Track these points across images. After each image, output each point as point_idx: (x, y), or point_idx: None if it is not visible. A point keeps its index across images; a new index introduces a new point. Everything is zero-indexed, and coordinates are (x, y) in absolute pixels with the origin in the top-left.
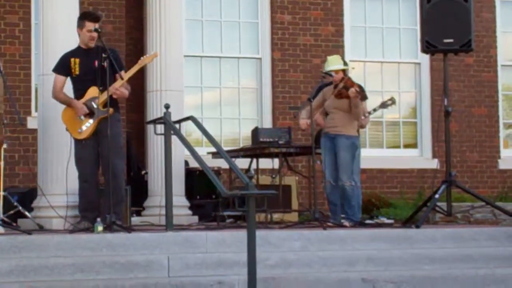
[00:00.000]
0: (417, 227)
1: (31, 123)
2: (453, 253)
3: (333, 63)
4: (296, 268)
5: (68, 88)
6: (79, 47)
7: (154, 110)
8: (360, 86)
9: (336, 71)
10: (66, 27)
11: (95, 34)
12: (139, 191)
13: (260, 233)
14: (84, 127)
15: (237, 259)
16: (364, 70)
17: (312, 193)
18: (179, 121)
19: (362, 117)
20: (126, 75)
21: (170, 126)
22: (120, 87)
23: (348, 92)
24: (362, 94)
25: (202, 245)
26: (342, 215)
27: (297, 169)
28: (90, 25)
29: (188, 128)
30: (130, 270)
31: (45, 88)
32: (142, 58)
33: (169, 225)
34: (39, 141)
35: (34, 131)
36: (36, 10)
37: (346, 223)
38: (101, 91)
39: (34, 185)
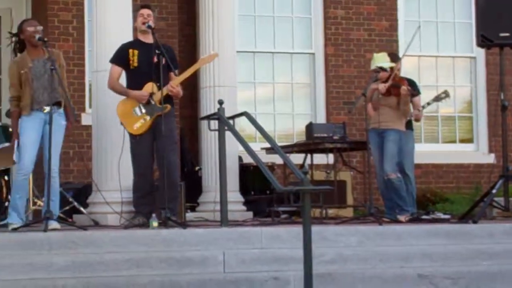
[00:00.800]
0: (474, 222)
1: (85, 119)
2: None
3: (379, 61)
4: (352, 264)
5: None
6: (137, 39)
7: (207, 106)
8: (410, 81)
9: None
10: (119, 24)
11: (148, 28)
12: (193, 187)
13: (315, 229)
14: (139, 123)
15: (293, 255)
16: (418, 65)
17: (367, 188)
18: (233, 117)
19: (417, 112)
20: (184, 74)
21: (224, 122)
22: (176, 86)
23: (400, 90)
24: (413, 91)
25: (257, 240)
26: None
27: (351, 164)
28: (141, 11)
29: (241, 124)
30: (185, 266)
31: (98, 84)
32: (201, 58)
33: (224, 221)
34: (93, 137)
35: (88, 127)
36: (89, 7)
37: (402, 217)
38: (158, 88)
39: (89, 181)
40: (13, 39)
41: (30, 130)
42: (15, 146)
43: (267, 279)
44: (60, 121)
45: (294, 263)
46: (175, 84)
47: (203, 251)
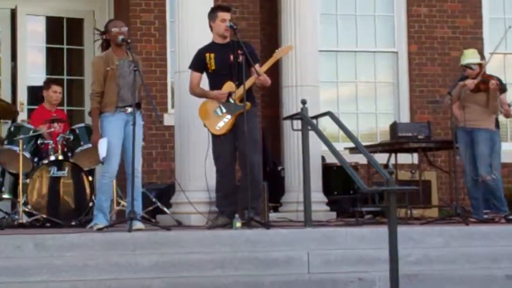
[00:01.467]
0: None
1: (168, 120)
2: None
3: (469, 57)
4: (438, 265)
5: (205, 85)
6: (213, 42)
7: (289, 106)
8: (497, 79)
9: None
10: (201, 24)
11: (230, 28)
12: (276, 186)
13: (401, 229)
14: (222, 123)
15: (378, 255)
16: (504, 63)
17: (453, 188)
18: (316, 117)
19: (507, 107)
20: (262, 68)
21: (308, 122)
22: (260, 75)
23: (489, 85)
24: (501, 87)
25: (341, 241)
26: (487, 210)
27: (436, 164)
28: (222, 15)
29: (322, 123)
30: (269, 266)
31: (181, 85)
32: (276, 51)
33: (308, 221)
34: (176, 137)
35: (170, 127)
36: (171, 8)
37: (498, 218)
38: (237, 86)
39: (172, 181)
40: (102, 36)
41: (114, 132)
42: (100, 143)
43: (352, 280)
44: (139, 121)
45: (379, 264)
46: (253, 81)
47: (287, 252)
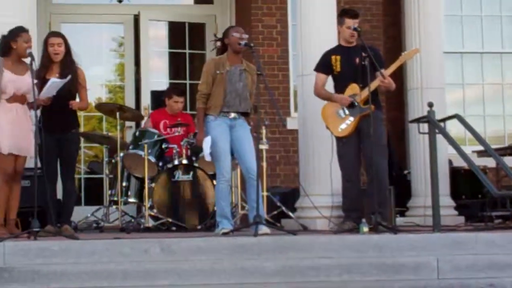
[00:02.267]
0: None
1: (291, 123)
2: None
3: None
4: None
5: (329, 87)
6: (339, 45)
7: (415, 108)
8: None
9: None
10: (324, 27)
11: (354, 31)
12: (402, 191)
13: None
14: (344, 125)
15: (509, 261)
16: None
17: None
18: (443, 120)
19: None
20: (387, 71)
21: (435, 125)
22: (385, 78)
23: None
24: None
25: (471, 246)
26: None
27: None
28: (349, 22)
29: (448, 126)
30: (397, 272)
31: (304, 88)
32: (402, 54)
33: (436, 226)
34: (299, 141)
35: (293, 131)
36: (293, 12)
37: None
38: (361, 88)
39: (295, 185)
40: (217, 43)
41: (221, 135)
42: (204, 142)
43: (483, 286)
44: (246, 126)
45: (510, 270)
46: (376, 84)
47: (415, 257)
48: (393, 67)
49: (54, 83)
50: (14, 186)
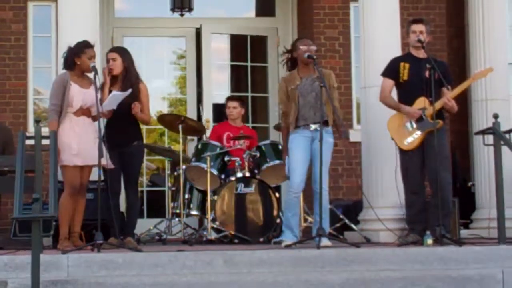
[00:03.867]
0: None
1: (353, 136)
2: None
3: None
4: None
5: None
6: (409, 53)
7: (479, 120)
8: None
9: None
10: (387, 39)
11: (419, 35)
12: (466, 203)
13: None
14: (411, 138)
15: None
16: None
17: None
18: (508, 131)
19: None
20: (458, 88)
21: (500, 136)
22: (449, 100)
23: None
24: None
25: None
26: None
27: None
28: (414, 27)
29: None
30: (462, 284)
31: (367, 100)
32: (475, 72)
33: (502, 238)
34: (362, 153)
35: (356, 144)
36: (355, 24)
37: None
38: (429, 103)
39: (358, 198)
40: (287, 55)
41: (297, 148)
42: (286, 161)
43: None
44: (328, 139)
45: None
46: (449, 97)
47: (480, 269)
48: (464, 85)
49: (115, 96)
50: (79, 199)
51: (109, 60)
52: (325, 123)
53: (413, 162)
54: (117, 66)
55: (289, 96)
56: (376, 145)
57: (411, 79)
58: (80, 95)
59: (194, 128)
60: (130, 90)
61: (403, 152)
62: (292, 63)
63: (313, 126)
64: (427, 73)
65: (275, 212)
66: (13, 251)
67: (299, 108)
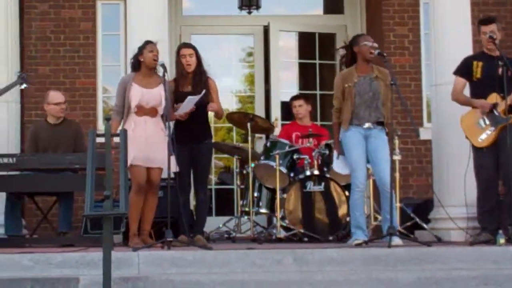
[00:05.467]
0: None
1: (423, 134)
2: None
3: None
4: None
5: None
6: (482, 52)
7: None
8: None
9: None
10: (458, 36)
11: (490, 38)
12: None
13: None
14: (484, 135)
15: None
16: None
17: None
18: None
19: None
20: None
21: None
22: None
23: None
24: None
25: None
26: None
27: None
28: (484, 28)
29: None
30: None
31: (438, 98)
32: None
33: None
34: (433, 151)
35: (426, 142)
36: (425, 21)
37: None
38: (502, 98)
39: (428, 196)
40: (342, 51)
41: (355, 146)
42: (334, 157)
43: None
44: (383, 136)
45: None
46: None
47: None
48: None
49: (190, 100)
50: (150, 197)
51: (184, 56)
52: (380, 124)
53: (487, 159)
54: (193, 62)
55: (344, 93)
56: (447, 143)
57: (484, 77)
58: (139, 94)
59: (263, 127)
60: (204, 92)
61: (476, 150)
62: (351, 59)
63: (366, 124)
64: (500, 71)
65: (344, 211)
66: (84, 248)
67: (354, 107)
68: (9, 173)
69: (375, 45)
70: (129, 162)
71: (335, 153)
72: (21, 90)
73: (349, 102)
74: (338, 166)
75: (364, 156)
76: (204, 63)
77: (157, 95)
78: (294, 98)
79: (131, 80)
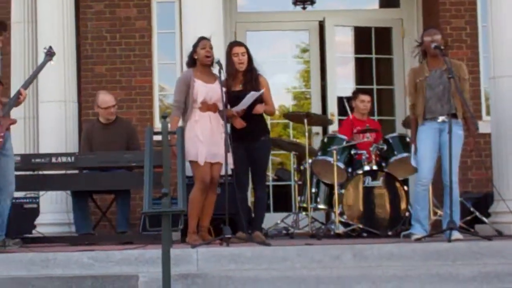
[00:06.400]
0: None
1: (482, 127)
2: None
3: None
4: None
5: None
6: None
7: None
8: None
9: None
10: None
11: None
12: None
13: None
14: None
15: None
16: None
17: None
18: None
19: None
20: None
21: None
22: None
23: None
24: None
25: None
26: None
27: None
28: None
29: None
30: None
31: (497, 91)
32: None
33: None
34: (492, 145)
35: (485, 135)
36: (483, 13)
37: None
38: None
39: (488, 190)
40: (417, 48)
41: (425, 140)
42: (412, 152)
43: None
44: (457, 131)
45: None
46: None
47: None
48: None
49: (251, 96)
50: (209, 194)
51: (237, 54)
52: (453, 116)
53: None
54: (246, 60)
55: (417, 88)
56: (507, 136)
57: None
58: (204, 90)
59: (319, 123)
60: (263, 90)
61: None
62: (424, 55)
63: (440, 118)
64: None
65: (403, 205)
66: (143, 246)
67: (426, 101)
68: (67, 172)
69: (436, 37)
70: (192, 159)
71: (413, 147)
72: (79, 90)
73: (420, 96)
74: (415, 161)
75: (432, 151)
76: (254, 61)
77: (217, 91)
78: (363, 92)
79: (193, 76)
